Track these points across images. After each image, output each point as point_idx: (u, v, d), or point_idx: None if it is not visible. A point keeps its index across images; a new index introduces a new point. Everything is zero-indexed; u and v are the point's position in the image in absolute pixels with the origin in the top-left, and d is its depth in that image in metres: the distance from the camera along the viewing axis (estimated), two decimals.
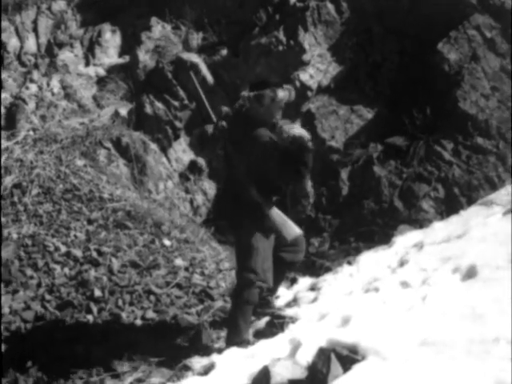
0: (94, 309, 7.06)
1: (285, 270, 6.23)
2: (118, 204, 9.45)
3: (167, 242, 8.77)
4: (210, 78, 11.75)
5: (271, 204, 5.36)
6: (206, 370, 4.86)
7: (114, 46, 13.97)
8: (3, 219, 8.87)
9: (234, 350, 5.05)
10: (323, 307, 5.65)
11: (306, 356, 3.98)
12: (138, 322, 6.87)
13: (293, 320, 5.70)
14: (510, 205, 7.24)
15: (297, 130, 5.20)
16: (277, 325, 5.73)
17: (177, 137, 11.70)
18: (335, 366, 3.70)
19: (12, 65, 13.72)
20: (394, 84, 11.02)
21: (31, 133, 11.39)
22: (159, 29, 13.46)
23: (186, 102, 11.74)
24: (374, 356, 3.69)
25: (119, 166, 10.85)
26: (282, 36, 11.76)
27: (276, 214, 5.35)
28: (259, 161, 5.23)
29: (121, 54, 13.82)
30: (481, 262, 5.04)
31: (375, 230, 9.37)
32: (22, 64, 13.84)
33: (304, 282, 7.37)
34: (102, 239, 8.55)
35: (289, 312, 6.07)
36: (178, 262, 8.25)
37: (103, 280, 7.60)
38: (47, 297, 7.33)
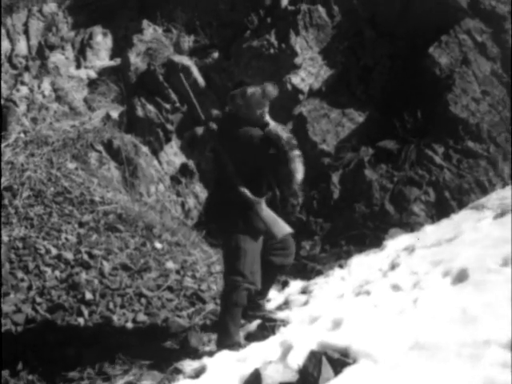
0: (85, 312, 7.05)
1: (275, 274, 6.22)
2: (109, 207, 9.44)
3: (158, 245, 8.76)
4: (201, 80, 11.76)
5: (261, 202, 5.37)
6: (197, 373, 4.86)
7: (106, 49, 13.97)
8: None
9: (225, 353, 5.05)
10: (314, 310, 5.65)
11: (297, 359, 3.99)
12: (129, 324, 6.86)
13: (284, 323, 5.70)
14: (500, 209, 7.26)
15: (285, 132, 5.25)
16: (268, 328, 5.73)
17: (168, 140, 11.69)
18: (326, 369, 3.71)
19: (3, 67, 13.69)
20: (386, 88, 11.03)
21: (22, 135, 11.36)
22: (151, 31, 13.46)
23: (178, 104, 11.73)
24: (366, 359, 3.70)
25: (110, 168, 10.83)
26: (273, 39, 11.77)
27: (266, 212, 5.37)
28: (248, 158, 5.27)
29: (112, 57, 13.82)
30: (472, 266, 5.06)
31: (366, 233, 9.37)
32: (13, 66, 13.82)
33: (295, 285, 7.37)
34: (93, 242, 8.54)
35: (280, 315, 6.07)
36: (170, 264, 8.25)
37: (94, 283, 7.58)
38: (38, 299, 7.31)
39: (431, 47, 10.67)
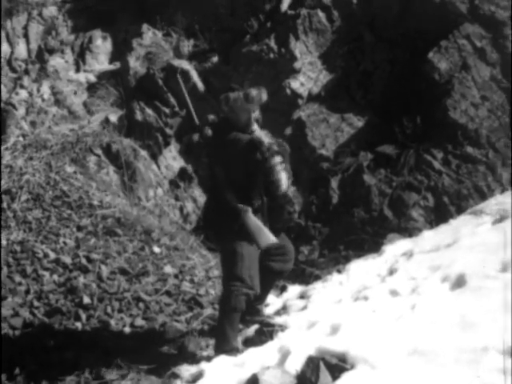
0: (83, 316, 7.03)
1: (274, 279, 6.22)
2: (107, 211, 9.43)
3: (157, 249, 8.75)
4: (200, 85, 11.76)
5: (248, 210, 5.35)
6: (195, 378, 4.84)
7: (105, 53, 13.96)
8: None
9: (222, 358, 5.04)
10: (313, 315, 5.64)
11: (295, 364, 3.98)
12: (127, 329, 6.85)
13: (282, 328, 5.69)
14: (499, 214, 7.26)
15: (268, 138, 5.27)
16: (266, 333, 5.71)
17: (167, 144, 11.69)
18: (324, 374, 3.71)
19: (2, 70, 13.69)
20: (385, 92, 11.04)
21: (21, 139, 11.35)
22: (150, 35, 13.46)
23: (177, 108, 11.73)
24: (363, 365, 3.69)
25: (109, 172, 10.82)
26: (273, 44, 11.78)
27: (252, 220, 5.35)
28: (235, 164, 5.29)
29: (111, 61, 13.81)
30: (470, 271, 5.06)
31: (365, 238, 9.37)
32: (13, 70, 13.81)
33: (293, 290, 7.35)
34: (91, 246, 8.52)
35: (278, 320, 6.05)
36: (168, 269, 8.23)
37: (92, 287, 7.57)
38: (36, 303, 7.29)
39: (431, 52, 10.68)
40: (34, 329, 6.87)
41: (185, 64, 12.11)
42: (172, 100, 11.81)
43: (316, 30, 11.82)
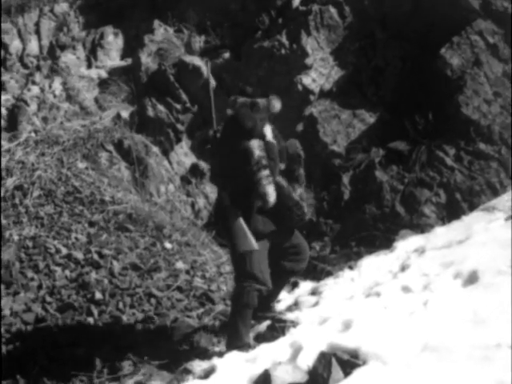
0: (95, 311, 7.06)
1: (286, 278, 6.23)
2: (119, 207, 9.44)
3: (168, 245, 8.76)
4: (212, 81, 11.75)
5: (238, 213, 5.36)
6: (207, 374, 4.85)
7: (117, 49, 13.99)
8: (4, 221, 8.86)
9: (234, 354, 5.04)
10: (324, 311, 5.64)
11: (307, 360, 3.98)
12: (139, 324, 6.86)
13: (294, 324, 5.69)
14: (511, 211, 7.24)
15: (259, 150, 5.29)
16: (278, 329, 5.71)
17: (178, 140, 11.70)
18: (336, 370, 3.70)
19: (14, 66, 13.73)
20: (397, 89, 11.01)
21: (33, 135, 11.38)
22: (162, 32, 13.47)
23: (188, 104, 11.73)
24: (375, 361, 3.69)
25: (121, 168, 10.83)
26: (284, 40, 11.76)
27: (238, 223, 5.35)
28: (232, 166, 5.34)
29: (123, 57, 13.84)
30: (482, 268, 5.04)
31: (377, 234, 9.35)
32: (25, 66, 13.86)
33: (305, 286, 7.36)
34: (103, 242, 8.54)
35: (290, 316, 6.05)
36: (179, 265, 8.24)
37: (104, 282, 7.59)
38: (48, 299, 7.32)
39: (443, 48, 10.64)
40: (46, 324, 6.89)
41: (196, 60, 12.10)
42: (183, 96, 11.81)
43: (328, 26, 11.80)
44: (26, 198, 9.44)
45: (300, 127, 11.01)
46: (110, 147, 11.02)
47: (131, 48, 13.67)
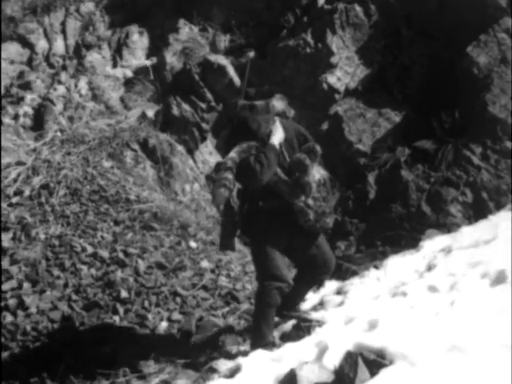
0: (121, 310, 7.08)
1: (311, 286, 6.22)
2: (144, 205, 9.47)
3: (193, 244, 8.78)
4: (236, 80, 11.75)
5: (235, 213, 5.44)
6: (232, 373, 4.84)
7: (142, 48, 14.03)
8: (30, 219, 8.92)
9: (259, 353, 5.03)
10: (350, 311, 5.62)
11: (333, 360, 3.96)
12: (164, 323, 6.88)
13: (319, 323, 5.67)
14: None
15: (228, 156, 5.28)
16: (303, 328, 5.70)
17: (203, 139, 11.71)
18: (362, 370, 3.68)
19: (40, 66, 13.81)
20: (423, 87, 10.95)
21: (59, 134, 11.45)
22: (187, 31, 13.49)
23: (213, 103, 11.75)
24: (402, 361, 3.66)
25: (146, 167, 10.87)
26: (309, 38, 11.74)
27: (227, 224, 5.52)
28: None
29: (148, 56, 13.88)
30: (510, 267, 5.00)
31: (402, 234, 9.30)
32: (50, 65, 13.93)
33: (330, 285, 7.32)
34: (128, 240, 8.57)
35: (315, 315, 6.03)
36: (204, 263, 8.26)
37: (129, 281, 7.61)
38: (74, 297, 7.36)
39: (469, 46, 10.56)
40: (72, 322, 6.92)
41: (221, 59, 12.11)
42: (208, 95, 11.82)
43: (353, 24, 11.77)
44: (52, 196, 9.49)
45: (325, 126, 10.99)
46: (136, 146, 11.05)
47: (156, 47, 13.71)
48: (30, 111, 12.43)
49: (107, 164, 10.50)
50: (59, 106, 12.50)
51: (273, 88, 5.63)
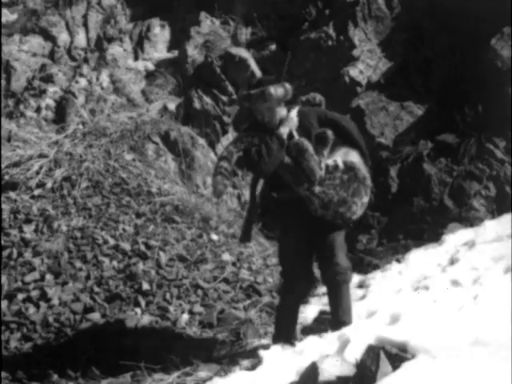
0: (142, 302, 7.11)
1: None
2: (166, 198, 9.49)
3: (215, 237, 8.79)
4: (258, 72, 11.73)
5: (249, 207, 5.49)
6: (254, 365, 4.85)
7: (163, 41, 14.06)
8: (53, 211, 8.96)
9: (281, 346, 5.03)
10: (372, 304, 5.61)
11: (355, 353, 3.94)
12: (186, 315, 6.89)
13: None
14: None
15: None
16: (325, 321, 5.69)
17: (225, 132, 11.71)
18: (384, 363, 3.66)
19: (62, 59, 13.88)
20: (445, 80, 10.87)
21: (80, 126, 11.50)
22: (208, 23, 13.50)
23: (235, 96, 11.74)
24: (424, 355, 3.64)
25: (167, 160, 10.89)
26: (331, 31, 11.70)
27: (246, 215, 5.56)
28: None
29: (170, 49, 13.92)
30: None
31: (425, 227, 9.25)
32: (72, 58, 14.00)
33: (352, 279, 7.31)
34: (150, 233, 8.60)
35: None
36: (226, 256, 8.26)
37: (151, 273, 7.64)
38: (96, 289, 7.40)
39: (493, 39, 10.45)
40: (94, 314, 6.95)
41: (243, 52, 12.09)
42: (230, 88, 11.82)
43: (375, 17, 11.72)
44: (74, 189, 9.52)
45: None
46: (157, 139, 11.07)
47: (178, 40, 13.73)
48: (52, 104, 12.50)
49: (129, 157, 10.53)
50: (81, 98, 12.56)
51: (281, 77, 5.45)
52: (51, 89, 12.77)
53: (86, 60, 13.78)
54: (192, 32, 13.23)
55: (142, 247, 8.19)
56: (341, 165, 5.13)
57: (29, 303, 7.16)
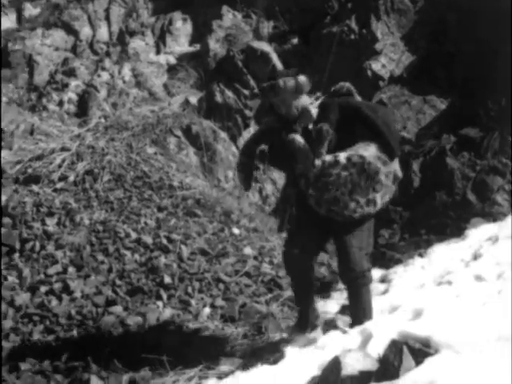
0: (164, 295, 7.11)
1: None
2: (187, 192, 9.51)
3: (236, 231, 8.79)
4: (280, 66, 11.71)
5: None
6: (276, 360, 4.83)
7: (185, 35, 14.09)
8: (75, 205, 8.99)
9: (303, 340, 5.02)
10: (394, 299, 5.58)
11: (378, 348, 3.93)
12: (207, 309, 6.89)
13: None
14: None
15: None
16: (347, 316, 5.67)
17: (246, 126, 11.71)
18: (407, 358, 3.64)
19: (84, 53, 13.95)
20: (468, 74, 10.80)
21: (103, 120, 11.55)
22: (230, 17, 13.51)
23: (256, 90, 11.72)
24: (448, 350, 3.61)
25: (189, 154, 10.91)
26: (353, 25, 11.67)
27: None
28: None
29: (191, 43, 13.94)
30: None
31: (447, 222, 9.20)
32: (94, 52, 14.07)
33: (374, 273, 7.24)
34: (171, 226, 8.61)
35: None
36: (247, 250, 8.26)
37: (173, 267, 7.64)
38: (118, 282, 7.40)
39: None
40: (116, 307, 6.97)
41: (265, 45, 12.08)
42: (252, 82, 11.81)
43: (398, 10, 11.66)
44: (96, 182, 9.56)
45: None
46: (179, 133, 11.10)
47: (200, 34, 13.75)
48: (75, 97, 12.57)
49: (150, 150, 10.56)
50: (103, 92, 12.62)
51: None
52: (73, 83, 12.84)
53: (108, 54, 13.83)
54: (214, 26, 13.25)
55: (164, 241, 8.21)
56: (342, 161, 4.84)
57: (51, 296, 7.18)
